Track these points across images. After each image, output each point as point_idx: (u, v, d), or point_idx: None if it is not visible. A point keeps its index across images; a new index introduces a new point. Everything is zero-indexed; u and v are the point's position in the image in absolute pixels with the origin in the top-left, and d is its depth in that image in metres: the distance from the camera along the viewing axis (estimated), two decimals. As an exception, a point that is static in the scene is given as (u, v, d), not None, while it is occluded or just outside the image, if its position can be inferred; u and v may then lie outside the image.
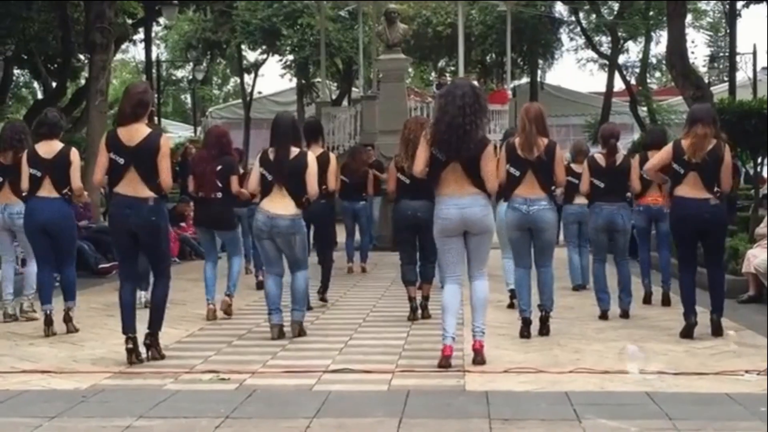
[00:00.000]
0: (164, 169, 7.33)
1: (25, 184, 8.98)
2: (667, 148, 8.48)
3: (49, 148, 8.92)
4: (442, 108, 7.23)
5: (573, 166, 11.12)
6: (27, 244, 9.35)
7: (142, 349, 7.41)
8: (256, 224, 8.46)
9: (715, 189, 8.23)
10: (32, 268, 9.43)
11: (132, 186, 7.31)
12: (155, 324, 7.46)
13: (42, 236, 8.90)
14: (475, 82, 32.66)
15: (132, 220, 7.30)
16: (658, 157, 8.56)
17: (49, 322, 8.71)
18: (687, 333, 8.31)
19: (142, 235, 7.35)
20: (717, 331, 8.32)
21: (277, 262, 8.53)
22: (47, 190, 8.86)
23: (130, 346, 7.29)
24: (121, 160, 7.29)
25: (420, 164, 7.27)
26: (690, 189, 8.26)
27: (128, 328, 7.33)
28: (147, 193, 7.29)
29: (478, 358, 7.15)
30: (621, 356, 7.51)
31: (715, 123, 8.37)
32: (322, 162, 9.60)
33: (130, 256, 7.51)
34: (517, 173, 8.31)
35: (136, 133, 7.32)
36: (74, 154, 8.96)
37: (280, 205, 8.30)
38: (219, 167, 9.62)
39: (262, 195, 8.47)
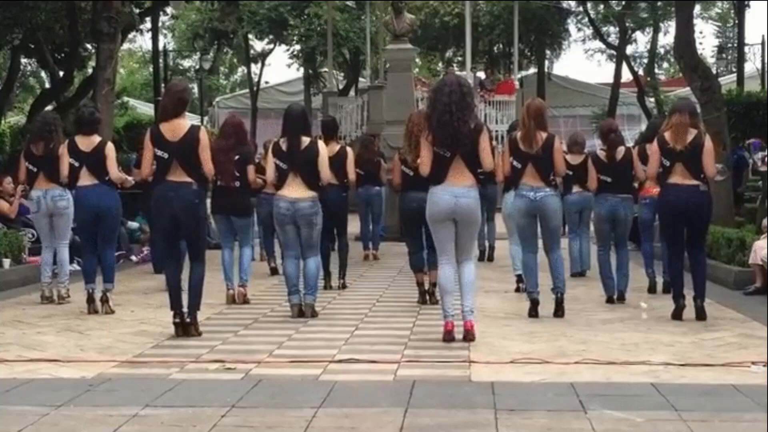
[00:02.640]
0: (206, 160, 7.94)
1: (65, 171, 9.53)
2: (654, 146, 8.78)
3: (88, 142, 9.52)
4: (431, 105, 7.72)
5: (568, 157, 11.20)
6: (62, 229, 9.98)
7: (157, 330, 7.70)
8: (278, 211, 8.85)
9: (702, 176, 8.57)
10: (64, 254, 10.03)
11: (175, 175, 7.89)
12: (194, 305, 7.95)
13: (91, 222, 9.49)
14: (482, 73, 32.38)
15: (176, 203, 7.85)
16: (654, 161, 8.79)
17: (91, 300, 9.34)
18: (677, 315, 8.67)
19: (184, 218, 7.88)
20: (701, 315, 8.60)
21: (295, 246, 9.00)
22: (87, 179, 9.45)
23: (177, 320, 7.90)
24: (165, 155, 7.89)
25: (426, 166, 7.72)
26: (679, 178, 8.60)
27: (175, 305, 7.92)
28: (189, 178, 7.89)
29: (469, 336, 7.59)
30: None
31: (693, 114, 8.76)
32: (342, 156, 10.41)
33: (173, 239, 8.03)
34: (519, 165, 8.78)
35: (178, 128, 7.94)
36: (109, 147, 9.62)
37: (298, 190, 8.76)
38: (236, 156, 9.89)
39: (278, 183, 8.87)
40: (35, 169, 10.00)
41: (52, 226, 10.05)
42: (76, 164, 9.48)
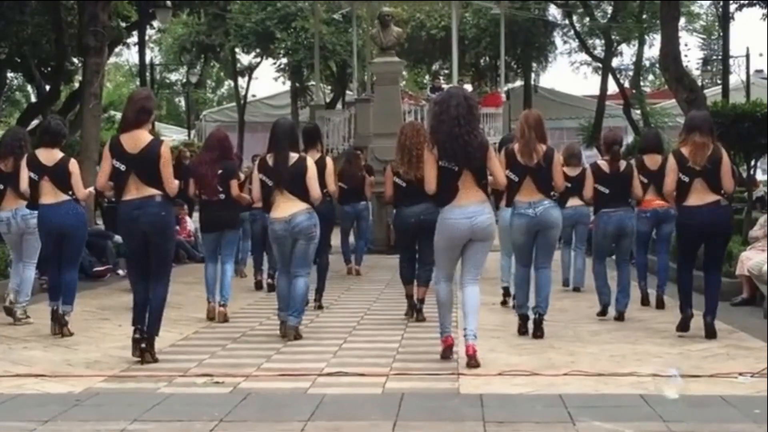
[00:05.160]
0: (167, 176, 7.48)
1: (24, 185, 9.08)
2: (672, 163, 8.53)
3: (49, 156, 9.04)
4: (437, 117, 7.36)
5: (566, 169, 11.14)
6: (32, 248, 9.51)
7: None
8: (275, 233, 8.52)
9: (722, 191, 8.40)
10: (29, 274, 9.59)
11: (136, 189, 7.44)
12: (153, 327, 7.54)
13: (56, 239, 9.02)
14: (469, 86, 32.49)
15: (142, 220, 7.44)
16: (671, 177, 8.53)
17: (56, 317, 8.86)
18: (683, 326, 8.47)
19: (152, 234, 7.47)
20: (710, 333, 8.39)
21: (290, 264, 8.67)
22: (50, 195, 8.97)
23: (137, 336, 7.46)
24: (123, 167, 7.43)
25: (431, 183, 7.32)
26: (698, 196, 8.39)
27: (138, 320, 7.52)
28: (152, 191, 7.43)
29: (472, 362, 7.19)
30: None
31: (713, 131, 8.51)
32: (320, 166, 9.59)
33: (142, 258, 7.62)
34: (517, 179, 8.43)
35: (138, 140, 7.47)
36: (73, 164, 9.11)
37: (290, 207, 8.40)
38: (220, 171, 9.72)
39: (264, 201, 8.57)
40: (2, 186, 9.60)
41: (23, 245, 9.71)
42: (35, 178, 8.98)
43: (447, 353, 7.37)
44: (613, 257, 10.29)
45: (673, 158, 8.53)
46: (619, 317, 9.62)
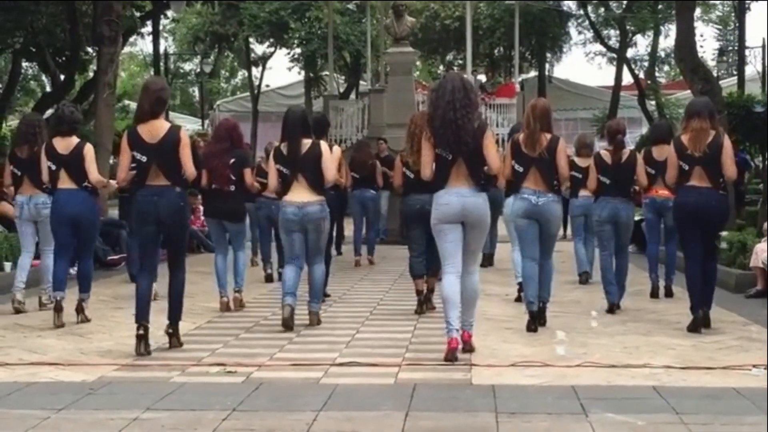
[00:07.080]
0: (187, 161, 7.51)
1: (45, 176, 9.14)
2: (672, 153, 8.50)
3: (66, 144, 9.05)
4: (433, 103, 7.29)
5: (576, 159, 11.09)
6: (47, 235, 9.47)
7: (151, 341, 7.47)
8: (286, 217, 8.57)
9: (720, 180, 8.29)
10: (49, 261, 9.55)
11: (156, 179, 7.48)
12: (175, 314, 7.63)
13: (67, 228, 9.03)
14: (483, 77, 32.33)
15: (161, 207, 7.44)
16: (672, 168, 8.50)
17: (59, 308, 8.79)
18: (694, 327, 8.32)
19: (169, 223, 7.48)
20: (705, 322, 8.37)
21: (301, 254, 8.68)
22: (67, 182, 9.01)
23: (141, 332, 7.39)
24: (144, 158, 7.45)
25: (428, 169, 7.29)
26: (696, 181, 8.31)
27: (142, 316, 7.43)
28: (170, 182, 7.48)
29: (467, 347, 7.28)
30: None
31: (713, 116, 8.43)
32: None
33: (152, 247, 7.64)
34: (521, 169, 8.41)
35: (156, 129, 7.49)
36: (88, 148, 9.10)
37: (305, 195, 8.50)
38: (232, 160, 9.68)
39: (283, 189, 8.61)
40: (20, 173, 9.68)
41: (35, 232, 9.72)
42: (53, 167, 9.01)
43: (450, 355, 7.07)
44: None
45: (673, 148, 8.49)
46: (616, 307, 9.54)
